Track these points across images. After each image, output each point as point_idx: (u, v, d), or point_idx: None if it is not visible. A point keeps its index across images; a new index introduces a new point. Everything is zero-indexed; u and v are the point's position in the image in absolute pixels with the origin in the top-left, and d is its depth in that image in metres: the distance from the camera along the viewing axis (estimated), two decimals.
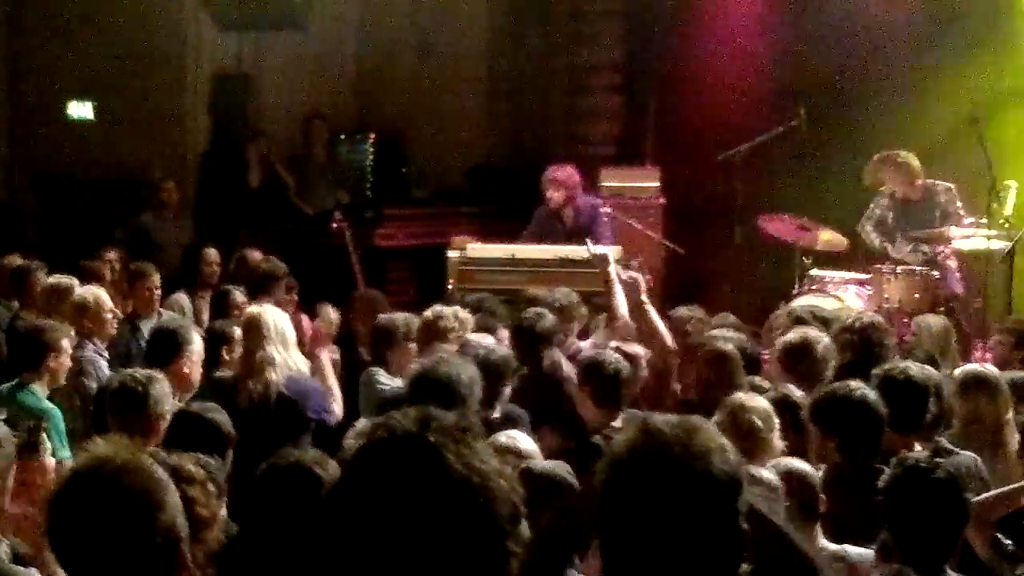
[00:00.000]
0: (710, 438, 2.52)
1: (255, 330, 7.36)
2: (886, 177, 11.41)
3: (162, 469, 2.98)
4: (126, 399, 5.97)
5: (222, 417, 5.52)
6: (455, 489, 2.20)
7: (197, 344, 7.16)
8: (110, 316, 8.40)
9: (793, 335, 7.29)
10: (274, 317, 7.46)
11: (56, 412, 6.99)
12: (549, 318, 7.79)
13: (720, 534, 2.49)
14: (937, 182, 11.37)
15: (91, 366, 7.94)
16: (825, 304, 10.10)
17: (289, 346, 7.44)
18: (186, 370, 7.03)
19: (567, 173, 11.77)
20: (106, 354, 8.24)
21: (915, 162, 11.32)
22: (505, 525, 2.24)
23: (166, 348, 7.09)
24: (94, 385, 7.58)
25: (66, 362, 7.36)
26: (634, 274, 8.04)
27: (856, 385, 5.85)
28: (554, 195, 11.59)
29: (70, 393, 7.58)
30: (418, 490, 2.19)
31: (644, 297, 7.80)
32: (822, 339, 7.21)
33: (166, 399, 6.00)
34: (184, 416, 5.72)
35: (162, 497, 2.89)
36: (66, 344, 7.36)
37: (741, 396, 5.88)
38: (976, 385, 6.66)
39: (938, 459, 4.62)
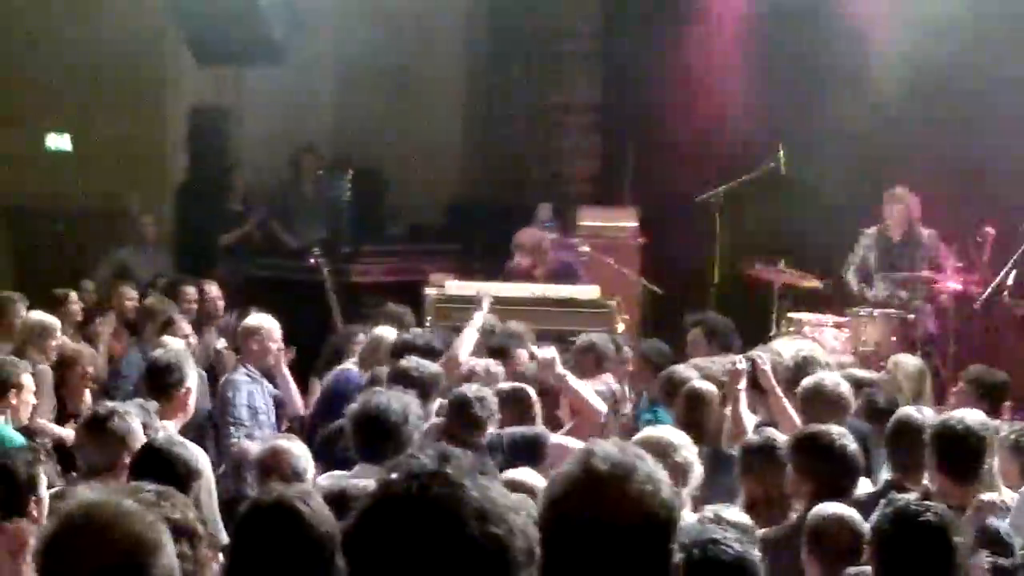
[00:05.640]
0: (648, 476, 2.55)
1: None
2: (889, 212, 11.47)
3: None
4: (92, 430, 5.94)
5: (187, 452, 5.44)
6: (476, 520, 2.23)
7: (193, 376, 7.20)
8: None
9: (808, 379, 7.30)
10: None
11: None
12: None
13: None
14: (920, 228, 11.46)
15: None
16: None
17: None
18: (186, 402, 7.08)
19: (530, 237, 11.67)
20: None
21: (912, 200, 11.42)
22: (521, 558, 2.26)
23: (164, 379, 7.08)
24: None
25: (28, 399, 7.27)
26: (547, 352, 7.39)
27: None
28: (521, 261, 11.58)
29: None
30: (441, 521, 2.22)
31: (561, 370, 7.22)
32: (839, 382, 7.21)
33: (132, 433, 5.90)
34: (149, 450, 5.61)
35: (160, 539, 2.85)
36: (27, 381, 7.26)
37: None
38: None
39: (928, 502, 4.62)
